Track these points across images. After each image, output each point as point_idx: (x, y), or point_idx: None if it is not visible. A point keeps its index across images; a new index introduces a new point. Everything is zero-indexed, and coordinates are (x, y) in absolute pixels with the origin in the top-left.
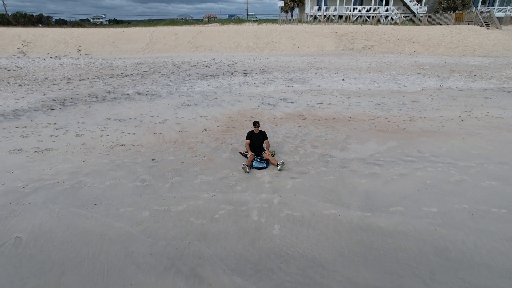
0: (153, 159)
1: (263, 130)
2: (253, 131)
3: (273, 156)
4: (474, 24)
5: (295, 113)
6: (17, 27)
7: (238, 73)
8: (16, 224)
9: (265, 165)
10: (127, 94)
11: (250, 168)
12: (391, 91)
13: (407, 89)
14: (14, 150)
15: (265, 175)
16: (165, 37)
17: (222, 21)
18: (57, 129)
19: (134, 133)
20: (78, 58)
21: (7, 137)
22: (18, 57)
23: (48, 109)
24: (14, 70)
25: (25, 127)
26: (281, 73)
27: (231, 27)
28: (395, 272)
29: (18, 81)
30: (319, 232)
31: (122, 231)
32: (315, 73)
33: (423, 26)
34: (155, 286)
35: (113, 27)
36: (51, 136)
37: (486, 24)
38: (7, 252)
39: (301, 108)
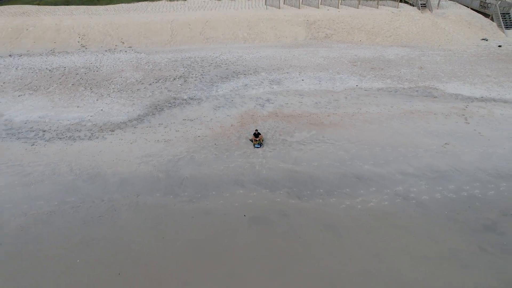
0: (215, 144)
1: (258, 128)
2: (255, 132)
3: (262, 141)
4: (415, 6)
5: (273, 112)
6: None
7: (240, 74)
8: (184, 170)
9: (260, 146)
10: (185, 99)
11: (254, 147)
12: (327, 91)
13: (336, 88)
14: (156, 140)
15: (259, 150)
16: (182, 28)
17: None
18: (164, 127)
19: (200, 129)
20: (126, 52)
21: (147, 133)
22: (82, 51)
23: (151, 115)
24: (95, 71)
25: (149, 127)
26: (266, 73)
27: (229, 16)
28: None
29: (112, 86)
30: (275, 170)
31: (214, 171)
32: (287, 73)
33: (373, 12)
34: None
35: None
36: (165, 131)
37: (422, 6)
38: (186, 182)
39: (276, 108)
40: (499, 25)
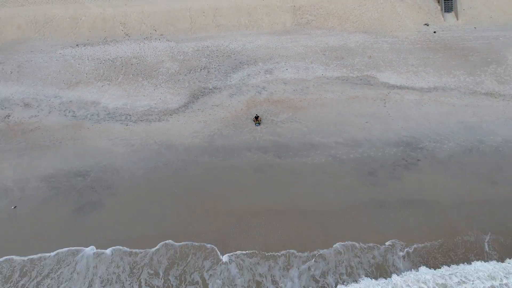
0: (233, 123)
1: (257, 112)
2: (256, 116)
3: (260, 121)
4: None
5: (266, 98)
6: None
7: (244, 65)
8: (217, 141)
9: (258, 125)
10: (210, 89)
11: (255, 125)
12: (302, 79)
13: (308, 77)
14: (198, 121)
15: (258, 128)
16: (198, 16)
17: None
18: (202, 111)
19: (223, 112)
20: (160, 40)
21: (192, 116)
22: (127, 39)
23: (192, 102)
24: (144, 62)
25: (192, 111)
26: (262, 62)
27: (233, 2)
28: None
29: (160, 76)
30: (267, 141)
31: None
32: (276, 62)
33: None
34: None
35: None
36: (202, 115)
37: None
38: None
39: (268, 94)
40: (441, 9)
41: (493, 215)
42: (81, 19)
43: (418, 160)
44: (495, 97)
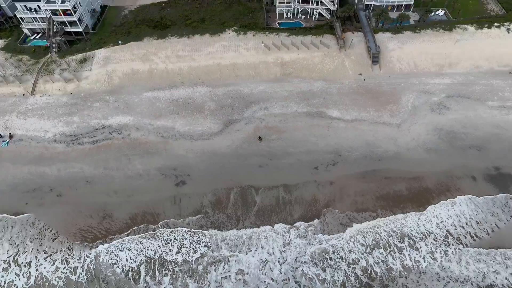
0: (247, 141)
1: (260, 135)
2: (259, 137)
3: (261, 139)
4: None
5: (265, 126)
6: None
7: (253, 104)
8: (241, 151)
9: (260, 142)
10: (234, 120)
11: (259, 142)
12: (284, 114)
13: (288, 112)
14: (230, 139)
15: (260, 143)
16: (224, 70)
17: None
18: (231, 134)
19: (243, 134)
20: (202, 86)
21: (226, 136)
22: (182, 85)
23: (226, 128)
24: (195, 101)
25: (226, 133)
26: (263, 102)
27: (244, 60)
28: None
29: (206, 112)
30: (265, 150)
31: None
32: (270, 102)
33: (314, 54)
34: None
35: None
36: (232, 135)
37: (341, 46)
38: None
39: (265, 123)
40: (371, 63)
41: (358, 187)
42: (153, 71)
43: (338, 162)
44: (387, 125)
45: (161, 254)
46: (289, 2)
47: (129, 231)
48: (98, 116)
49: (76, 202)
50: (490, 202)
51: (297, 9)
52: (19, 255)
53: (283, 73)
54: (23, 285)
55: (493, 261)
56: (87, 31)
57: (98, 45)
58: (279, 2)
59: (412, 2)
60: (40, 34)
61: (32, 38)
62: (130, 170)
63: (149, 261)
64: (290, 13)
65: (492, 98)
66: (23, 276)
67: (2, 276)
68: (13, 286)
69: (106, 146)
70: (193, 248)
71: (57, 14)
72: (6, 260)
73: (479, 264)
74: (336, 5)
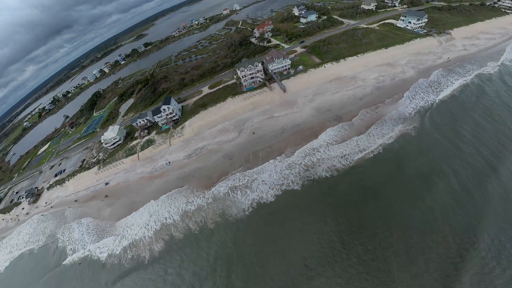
0: (245, 161)
1: (254, 131)
2: (253, 132)
3: (254, 133)
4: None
5: (256, 127)
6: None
7: (246, 121)
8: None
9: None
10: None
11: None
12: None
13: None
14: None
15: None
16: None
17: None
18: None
19: (245, 133)
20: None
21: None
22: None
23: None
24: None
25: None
26: (253, 119)
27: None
28: None
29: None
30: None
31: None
32: (256, 116)
33: (261, 95)
34: None
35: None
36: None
37: (284, 91)
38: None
39: (257, 125)
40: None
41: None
42: (205, 122)
43: (283, 133)
44: (295, 112)
45: (234, 183)
46: (246, 79)
47: (219, 180)
48: (195, 143)
49: (203, 175)
50: (340, 128)
51: (250, 80)
52: (188, 202)
53: (254, 106)
54: (188, 206)
55: (347, 146)
56: (179, 117)
57: (184, 120)
58: (243, 80)
59: (289, 65)
60: (165, 123)
61: (162, 127)
62: (212, 158)
63: (232, 187)
64: (248, 83)
65: (332, 91)
66: (191, 205)
67: (179, 206)
68: (188, 206)
69: (202, 153)
70: (244, 178)
71: (168, 115)
72: (185, 202)
73: (340, 149)
74: (263, 75)
